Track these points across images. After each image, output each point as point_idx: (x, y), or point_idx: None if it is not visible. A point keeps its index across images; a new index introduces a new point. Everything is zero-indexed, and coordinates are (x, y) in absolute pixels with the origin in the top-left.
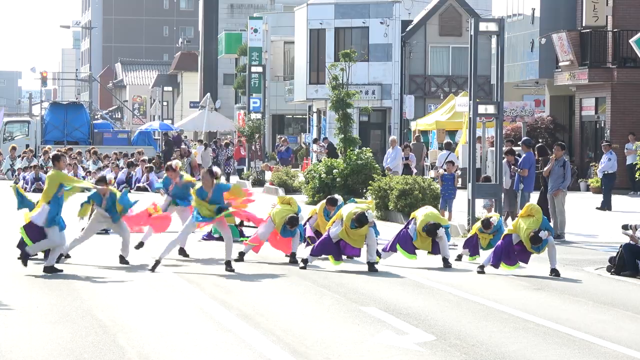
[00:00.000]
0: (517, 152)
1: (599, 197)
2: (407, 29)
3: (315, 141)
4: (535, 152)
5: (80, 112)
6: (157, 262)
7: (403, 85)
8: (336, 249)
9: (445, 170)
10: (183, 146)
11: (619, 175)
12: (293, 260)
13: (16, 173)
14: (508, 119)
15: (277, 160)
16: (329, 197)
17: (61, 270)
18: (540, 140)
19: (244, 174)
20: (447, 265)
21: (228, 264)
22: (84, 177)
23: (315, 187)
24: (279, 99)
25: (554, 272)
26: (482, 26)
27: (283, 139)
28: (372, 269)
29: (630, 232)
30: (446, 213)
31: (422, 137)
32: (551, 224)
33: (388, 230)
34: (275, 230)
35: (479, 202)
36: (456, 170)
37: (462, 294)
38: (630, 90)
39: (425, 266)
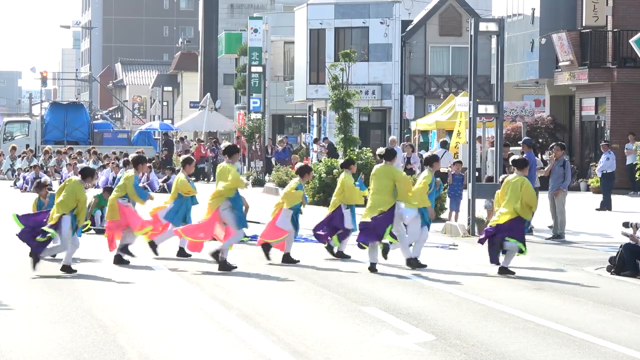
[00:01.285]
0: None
1: (599, 197)
2: (407, 29)
3: (315, 141)
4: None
5: (80, 112)
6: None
7: (403, 85)
8: None
9: (451, 170)
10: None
11: (619, 175)
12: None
13: (16, 173)
14: (508, 119)
15: (275, 160)
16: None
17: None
18: (540, 140)
19: (244, 173)
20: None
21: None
22: None
23: (315, 187)
24: (279, 99)
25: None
26: (482, 26)
27: (281, 139)
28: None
29: (630, 230)
30: (453, 213)
31: (422, 137)
32: (552, 223)
33: None
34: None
35: (479, 202)
36: (464, 170)
37: (462, 294)
38: (630, 90)
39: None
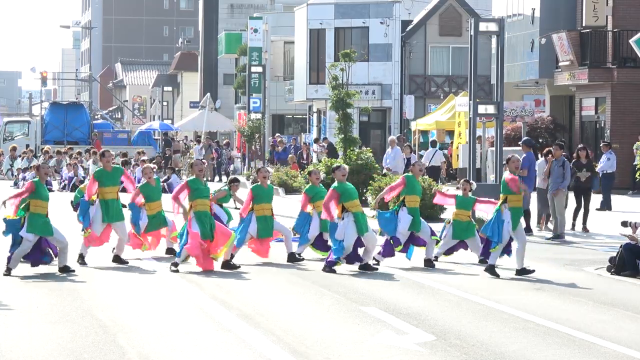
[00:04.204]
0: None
1: (599, 197)
2: (407, 29)
3: (315, 141)
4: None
5: (80, 112)
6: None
7: (403, 85)
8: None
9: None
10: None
11: (621, 175)
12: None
13: (16, 173)
14: (508, 119)
15: (275, 160)
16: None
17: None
18: (540, 140)
19: (244, 173)
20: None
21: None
22: (83, 177)
23: None
24: (279, 99)
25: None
26: (482, 26)
27: (280, 139)
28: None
29: (629, 229)
30: None
31: (422, 137)
32: (552, 225)
33: None
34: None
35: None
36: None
37: (462, 294)
38: (630, 90)
39: (424, 266)
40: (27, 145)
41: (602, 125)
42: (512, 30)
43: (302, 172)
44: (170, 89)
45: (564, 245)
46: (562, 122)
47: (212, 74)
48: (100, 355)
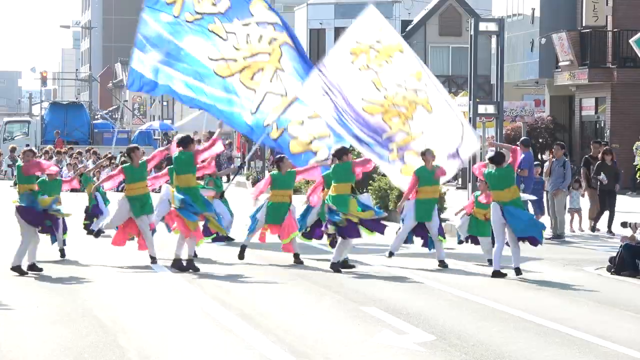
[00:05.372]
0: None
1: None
2: (407, 29)
3: None
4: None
5: (80, 112)
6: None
7: None
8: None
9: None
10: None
11: (623, 175)
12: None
13: (15, 173)
14: (508, 119)
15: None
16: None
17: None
18: (540, 140)
19: (244, 173)
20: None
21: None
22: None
23: None
24: None
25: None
26: (482, 26)
27: None
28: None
29: (629, 229)
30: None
31: None
32: (550, 225)
33: (388, 230)
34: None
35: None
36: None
37: (462, 294)
38: (630, 90)
39: (425, 266)
40: (27, 145)
41: (602, 125)
42: (512, 30)
43: None
44: None
45: (564, 245)
46: (562, 122)
47: None
48: (100, 355)
